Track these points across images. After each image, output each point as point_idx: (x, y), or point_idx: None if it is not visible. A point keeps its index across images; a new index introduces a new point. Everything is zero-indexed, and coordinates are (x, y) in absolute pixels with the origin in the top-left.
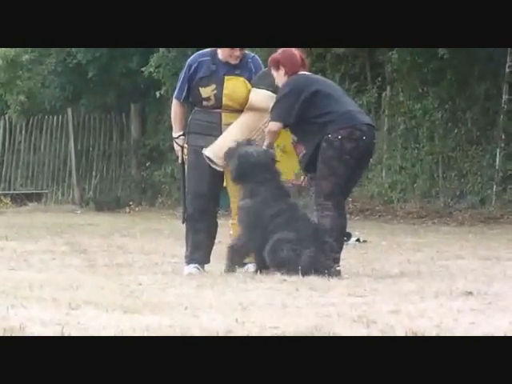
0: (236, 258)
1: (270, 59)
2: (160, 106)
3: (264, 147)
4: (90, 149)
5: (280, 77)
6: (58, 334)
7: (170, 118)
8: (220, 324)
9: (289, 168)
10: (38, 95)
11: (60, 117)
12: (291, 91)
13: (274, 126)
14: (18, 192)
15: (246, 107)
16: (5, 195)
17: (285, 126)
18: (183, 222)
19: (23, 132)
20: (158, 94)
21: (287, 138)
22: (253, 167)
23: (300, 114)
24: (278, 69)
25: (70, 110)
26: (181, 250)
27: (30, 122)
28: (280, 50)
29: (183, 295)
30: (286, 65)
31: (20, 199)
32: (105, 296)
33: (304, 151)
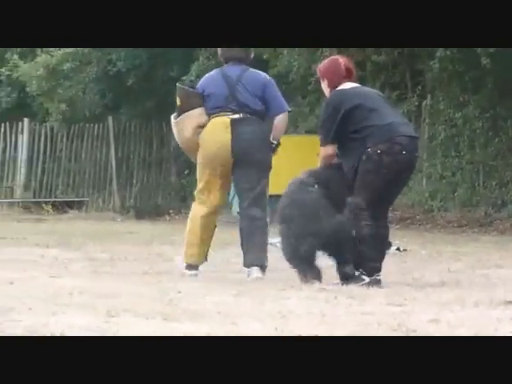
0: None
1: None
2: None
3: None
4: (131, 156)
5: (324, 87)
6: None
7: None
8: (259, 332)
9: None
10: (79, 103)
11: (101, 125)
12: (331, 111)
13: (327, 150)
14: (59, 200)
15: None
16: (46, 203)
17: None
18: None
19: (64, 140)
20: None
21: None
22: None
23: (339, 130)
24: (322, 80)
25: (110, 118)
26: (222, 257)
27: (71, 130)
28: (325, 61)
29: (222, 303)
30: (328, 76)
31: (61, 207)
32: (144, 304)
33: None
